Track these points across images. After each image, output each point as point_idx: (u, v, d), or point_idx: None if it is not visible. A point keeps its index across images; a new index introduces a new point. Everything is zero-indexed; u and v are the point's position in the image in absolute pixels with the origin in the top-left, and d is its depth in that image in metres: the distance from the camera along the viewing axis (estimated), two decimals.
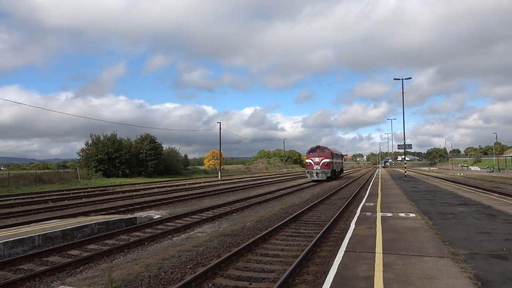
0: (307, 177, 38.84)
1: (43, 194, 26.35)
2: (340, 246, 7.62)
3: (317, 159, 37.92)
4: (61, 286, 6.33)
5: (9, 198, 24.31)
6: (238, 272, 7.00)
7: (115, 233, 10.78)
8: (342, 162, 55.61)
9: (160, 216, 14.36)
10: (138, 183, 39.56)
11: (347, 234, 8.65)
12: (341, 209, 14.36)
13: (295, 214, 13.36)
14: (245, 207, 16.90)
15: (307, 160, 38.99)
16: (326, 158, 38.06)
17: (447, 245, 7.33)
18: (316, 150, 39.09)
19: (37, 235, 9.37)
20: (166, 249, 8.91)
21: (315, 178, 37.59)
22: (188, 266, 7.30)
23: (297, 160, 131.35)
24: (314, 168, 37.93)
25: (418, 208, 13.00)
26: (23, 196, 25.18)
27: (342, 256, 6.57)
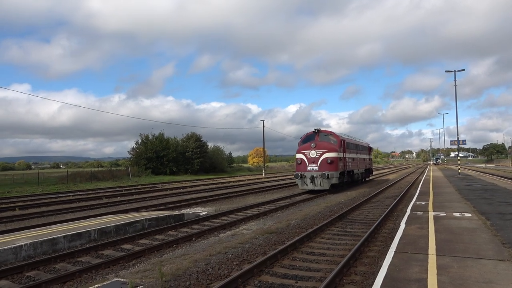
0: (298, 185, 23.13)
1: (98, 191, 27.88)
2: (389, 247, 7.36)
3: (313, 153, 22.33)
4: (115, 279, 6.65)
5: (68, 194, 25.99)
6: (284, 270, 6.97)
7: (164, 229, 11.15)
8: (370, 159, 36.72)
9: (206, 212, 14.68)
10: (185, 181, 40.69)
11: (397, 234, 8.33)
12: (390, 208, 13.87)
13: (341, 212, 13.10)
14: (289, 204, 16.82)
15: (297, 156, 23.11)
16: (330, 151, 22.16)
17: (508, 247, 6.85)
18: (313, 138, 23.23)
19: (93, 229, 9.92)
20: (213, 245, 9.08)
21: (310, 186, 22.06)
22: (235, 263, 7.38)
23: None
24: (308, 169, 22.24)
25: (474, 208, 12.26)
26: (80, 193, 26.82)
27: (392, 257, 6.34)
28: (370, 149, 36.81)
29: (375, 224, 10.46)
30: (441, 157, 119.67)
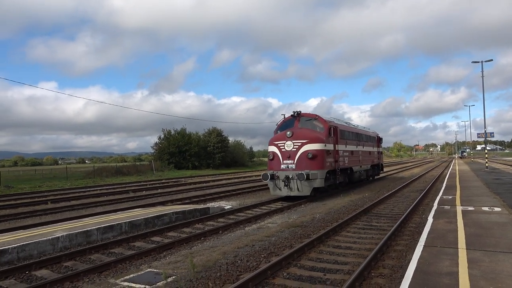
0: (270, 189, 16.88)
1: (124, 185, 28.60)
2: (417, 241, 7.35)
3: (288, 145, 16.33)
4: (148, 269, 6.91)
5: (96, 188, 26.79)
6: (311, 263, 7.07)
7: (191, 222, 11.42)
8: (379, 152, 28.95)
9: (230, 206, 14.90)
10: (207, 175, 41.20)
11: (425, 228, 8.29)
12: (415, 202, 13.72)
13: (365, 206, 13.06)
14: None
15: (269, 149, 17.17)
16: (312, 141, 16.17)
17: None
18: (291, 124, 17.51)
19: (124, 222, 10.26)
20: (240, 238, 9.25)
21: (284, 192, 16.01)
22: (262, 255, 7.52)
23: None
24: (282, 166, 16.35)
25: (504, 202, 11.99)
26: (107, 187, 27.59)
27: (421, 251, 6.34)
28: (379, 140, 29.10)
29: (401, 218, 10.40)
30: (467, 150, 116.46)
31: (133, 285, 6.06)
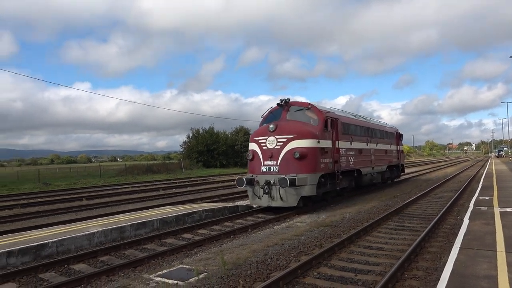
0: (249, 197, 13.61)
1: (154, 183, 29.28)
2: (452, 242, 7.13)
3: (271, 142, 12.94)
4: (180, 265, 7.05)
5: (127, 186, 27.57)
6: (342, 263, 7.00)
7: (220, 220, 11.54)
8: (399, 151, 24.92)
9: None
10: (235, 174, 41.49)
11: (460, 229, 8.01)
12: (450, 202, 13.28)
13: (397, 207, 12.77)
14: (342, 198, 16.63)
15: (250, 146, 13.74)
16: (300, 136, 12.71)
17: None
18: (278, 115, 14.22)
19: (156, 219, 10.52)
20: (269, 236, 9.28)
21: (263, 201, 12.74)
22: (292, 254, 7.51)
23: None
24: (263, 169, 12.95)
25: None
26: (138, 185, 28.33)
27: (457, 253, 6.13)
28: (398, 136, 24.97)
29: (435, 219, 10.10)
30: (505, 149, 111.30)
31: (166, 280, 6.20)
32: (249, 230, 10.29)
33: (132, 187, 26.36)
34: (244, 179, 12.97)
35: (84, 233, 8.80)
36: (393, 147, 23.36)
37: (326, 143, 13.64)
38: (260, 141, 13.29)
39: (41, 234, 8.93)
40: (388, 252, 7.66)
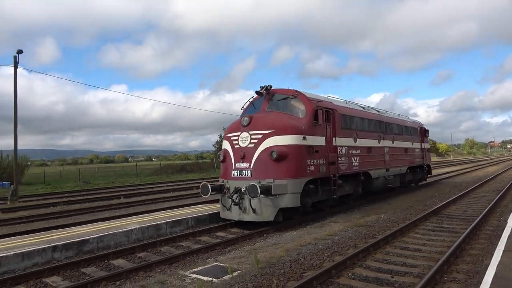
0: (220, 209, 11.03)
1: (188, 182, 29.87)
2: (495, 245, 6.83)
3: (244, 139, 10.59)
4: (214, 263, 7.16)
5: (162, 184, 28.30)
6: (377, 264, 6.86)
7: None
8: (424, 149, 21.72)
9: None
10: None
11: (504, 231, 7.66)
12: (492, 203, 12.68)
13: (435, 207, 12.33)
14: (377, 198, 16.28)
15: (224, 145, 11.49)
16: (280, 132, 10.32)
17: None
18: (259, 106, 11.83)
19: (190, 217, 10.75)
20: (302, 236, 9.23)
21: (233, 214, 10.30)
22: (326, 254, 7.45)
23: (430, 148, 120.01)
24: (234, 173, 10.56)
25: None
26: (173, 183, 29.02)
27: (501, 256, 5.87)
28: (423, 132, 21.71)
29: (477, 220, 9.68)
30: None
31: (201, 277, 6.32)
32: (282, 229, 10.28)
33: (166, 185, 27.03)
34: (209, 186, 10.38)
35: (123, 230, 9.13)
36: (416, 145, 20.18)
37: (316, 140, 11.11)
38: (232, 138, 10.90)
39: (82, 230, 9.35)
40: (426, 254, 7.42)
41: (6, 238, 9.00)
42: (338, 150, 12.18)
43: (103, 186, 28.35)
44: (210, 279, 6.22)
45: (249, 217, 10.03)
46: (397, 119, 18.72)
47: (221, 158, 11.20)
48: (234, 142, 10.83)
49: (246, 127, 10.61)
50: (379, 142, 15.38)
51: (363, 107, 15.80)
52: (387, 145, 16.15)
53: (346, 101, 14.62)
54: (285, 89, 11.85)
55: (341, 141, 12.46)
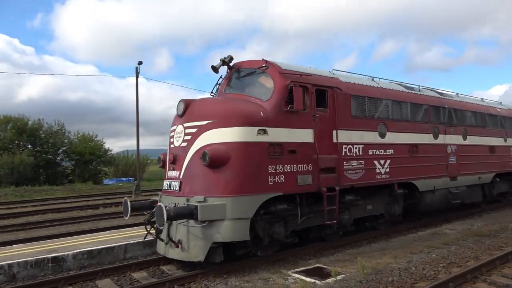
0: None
1: None
2: None
3: (178, 136, 7.31)
4: (317, 264, 7.05)
5: None
6: (505, 280, 5.96)
7: None
8: None
9: None
10: None
11: None
12: None
13: None
14: (504, 204, 14.25)
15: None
16: (224, 122, 6.81)
17: None
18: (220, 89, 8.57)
19: None
20: (412, 243, 8.55)
21: (160, 246, 7.25)
22: (441, 264, 6.76)
23: None
24: (165, 184, 7.54)
25: None
26: None
27: None
28: None
29: None
30: None
31: (304, 278, 6.27)
32: (389, 234, 9.64)
33: None
34: (129, 204, 7.37)
35: None
36: (511, 142, 14.42)
37: (292, 134, 7.33)
38: (171, 134, 7.79)
39: None
40: None
41: (135, 227, 10.20)
42: (343, 150, 8.14)
43: None
44: (313, 280, 6.13)
45: (174, 253, 6.83)
46: (473, 104, 13.09)
47: (161, 163, 8.04)
48: (171, 140, 7.70)
49: (181, 118, 7.41)
50: (435, 138, 10.75)
51: (408, 87, 10.82)
52: (452, 141, 11.35)
53: (373, 78, 10.05)
54: (252, 61, 8.26)
55: (350, 136, 8.32)
